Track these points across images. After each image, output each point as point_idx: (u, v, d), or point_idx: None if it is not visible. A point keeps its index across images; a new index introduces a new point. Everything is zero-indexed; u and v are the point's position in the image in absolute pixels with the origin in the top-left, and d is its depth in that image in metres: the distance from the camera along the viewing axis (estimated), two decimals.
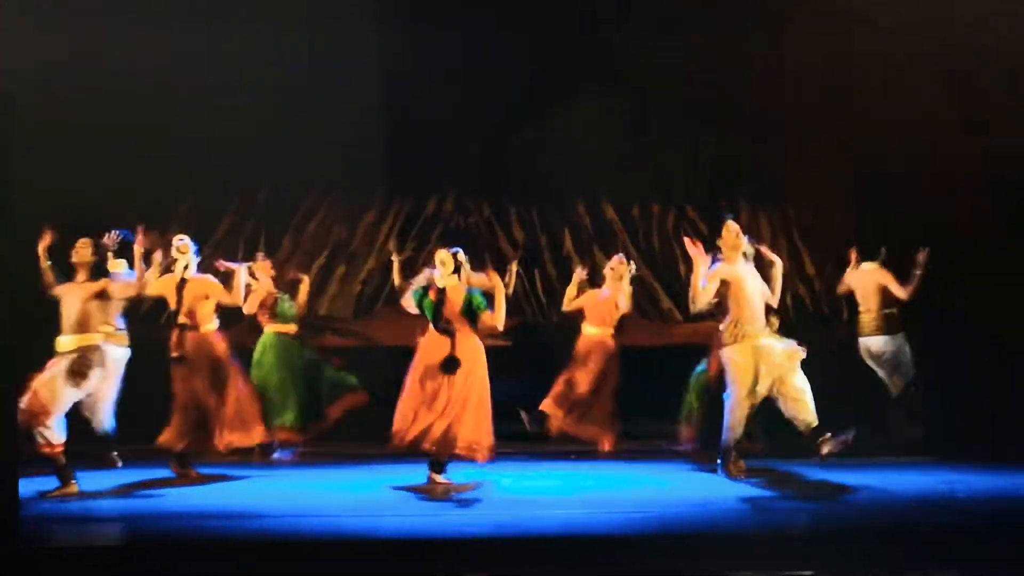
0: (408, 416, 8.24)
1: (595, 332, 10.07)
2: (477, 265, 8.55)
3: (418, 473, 8.36)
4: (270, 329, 9.99)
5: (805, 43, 10.25)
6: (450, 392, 8.22)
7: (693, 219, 11.64)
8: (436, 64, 10.73)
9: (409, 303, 8.49)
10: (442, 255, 8.37)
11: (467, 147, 11.23)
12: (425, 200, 11.66)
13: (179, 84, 10.40)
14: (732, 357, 8.39)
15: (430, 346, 8.33)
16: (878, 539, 6.74)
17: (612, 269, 10.07)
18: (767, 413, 8.66)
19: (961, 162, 10.19)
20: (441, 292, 8.29)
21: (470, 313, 8.29)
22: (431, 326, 8.34)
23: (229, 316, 9.20)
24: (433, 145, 11.13)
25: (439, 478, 8.30)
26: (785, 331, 9.08)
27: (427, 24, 10.50)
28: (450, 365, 8.22)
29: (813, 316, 10.45)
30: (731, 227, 8.45)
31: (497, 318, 8.31)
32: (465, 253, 8.42)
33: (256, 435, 8.92)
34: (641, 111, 11.10)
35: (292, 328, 10.02)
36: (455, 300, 8.30)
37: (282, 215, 11.57)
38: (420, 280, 8.52)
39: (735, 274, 8.40)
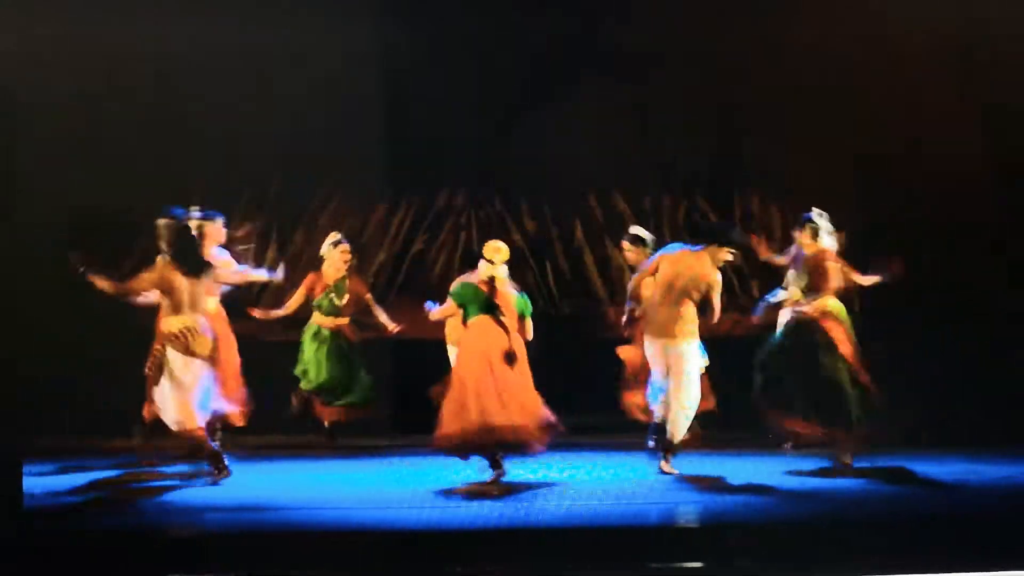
0: (464, 410, 7.96)
1: None
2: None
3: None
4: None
5: (811, 30, 10.22)
6: (507, 382, 8.03)
7: (704, 210, 11.61)
8: (444, 56, 10.72)
9: (447, 309, 8.30)
10: (496, 244, 8.26)
11: (477, 139, 11.20)
12: (436, 193, 11.64)
13: (182, 80, 10.44)
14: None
15: (484, 338, 8.12)
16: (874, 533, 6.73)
17: None
18: None
19: (967, 149, 10.15)
20: (492, 282, 8.17)
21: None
22: (480, 317, 8.14)
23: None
24: (444, 138, 11.10)
25: (495, 475, 8.10)
26: None
27: (434, 15, 10.49)
28: (511, 358, 8.09)
29: None
30: None
31: (528, 329, 8.31)
32: (478, 245, 8.41)
33: None
34: (648, 101, 11.06)
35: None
36: (507, 292, 8.21)
37: (293, 208, 11.55)
38: (464, 278, 8.41)
39: None
